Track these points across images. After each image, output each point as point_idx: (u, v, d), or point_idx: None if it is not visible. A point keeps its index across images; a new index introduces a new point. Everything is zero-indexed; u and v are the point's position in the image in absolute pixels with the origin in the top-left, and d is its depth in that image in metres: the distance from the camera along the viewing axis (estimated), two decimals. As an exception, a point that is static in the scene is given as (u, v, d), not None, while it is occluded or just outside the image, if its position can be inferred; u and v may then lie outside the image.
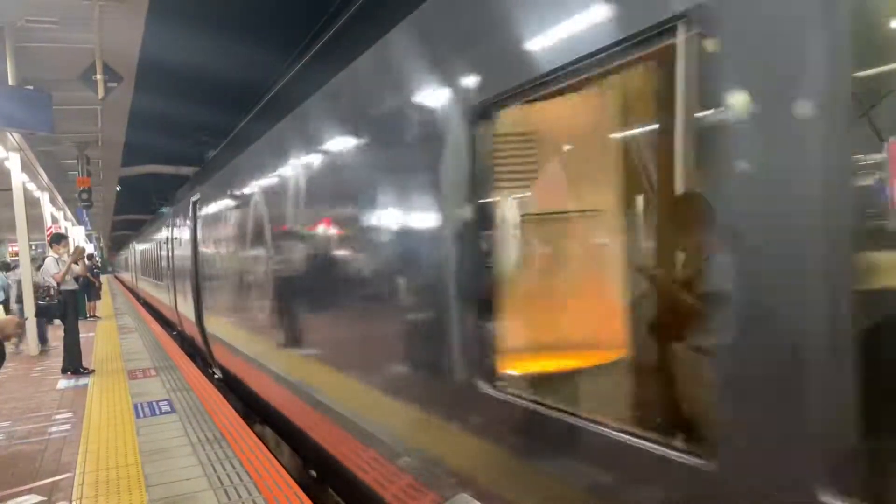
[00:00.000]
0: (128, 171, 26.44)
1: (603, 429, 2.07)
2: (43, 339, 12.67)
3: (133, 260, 34.30)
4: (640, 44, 1.89)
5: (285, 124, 5.51)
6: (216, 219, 8.64)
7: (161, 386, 8.39)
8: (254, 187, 6.59)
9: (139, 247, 28.26)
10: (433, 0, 3.06)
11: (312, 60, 5.83)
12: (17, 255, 17.23)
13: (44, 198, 18.00)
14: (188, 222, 10.86)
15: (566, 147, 3.09)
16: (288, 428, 5.96)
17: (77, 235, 30.86)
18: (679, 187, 2.21)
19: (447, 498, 2.92)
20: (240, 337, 7.44)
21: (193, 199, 10.34)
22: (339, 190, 4.29)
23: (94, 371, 9.69)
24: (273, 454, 5.44)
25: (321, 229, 4.69)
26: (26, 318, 10.39)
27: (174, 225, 13.45)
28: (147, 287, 24.05)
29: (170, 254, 14.12)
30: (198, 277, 9.91)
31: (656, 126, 2.58)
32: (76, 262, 10.14)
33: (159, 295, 18.09)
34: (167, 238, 14.68)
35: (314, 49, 5.56)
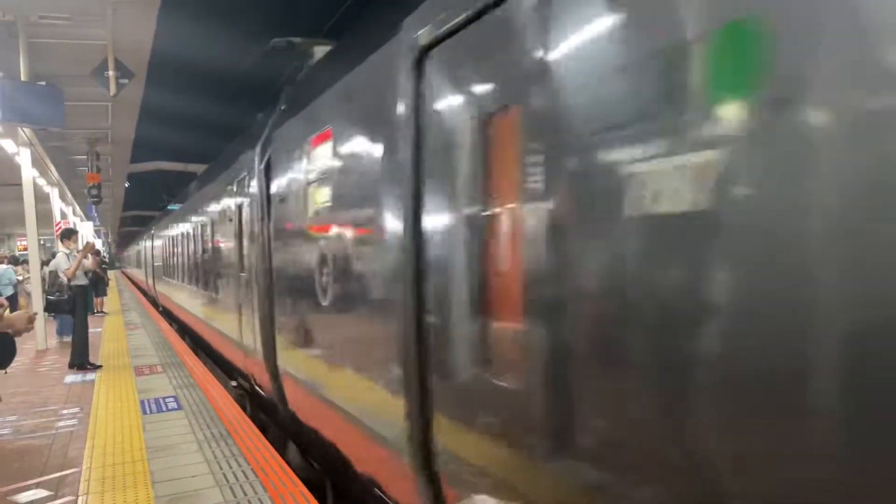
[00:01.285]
0: (137, 168, 26.54)
1: None
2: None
3: (148, 253, 24.61)
4: None
5: None
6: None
7: (168, 382, 8.40)
8: None
9: (163, 231, 18.76)
10: None
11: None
12: (26, 249, 17.37)
13: (53, 193, 18.08)
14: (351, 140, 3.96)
15: None
16: None
17: (86, 231, 30.98)
18: None
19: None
20: None
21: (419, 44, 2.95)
22: None
23: (101, 366, 9.72)
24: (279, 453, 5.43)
25: None
26: (35, 313, 10.41)
27: (265, 174, 6.03)
28: (178, 295, 14.96)
29: (248, 239, 6.79)
30: (423, 291, 2.97)
31: None
32: (86, 257, 10.18)
33: (209, 315, 10.17)
34: (237, 205, 7.39)
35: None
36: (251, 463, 5.04)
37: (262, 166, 6.05)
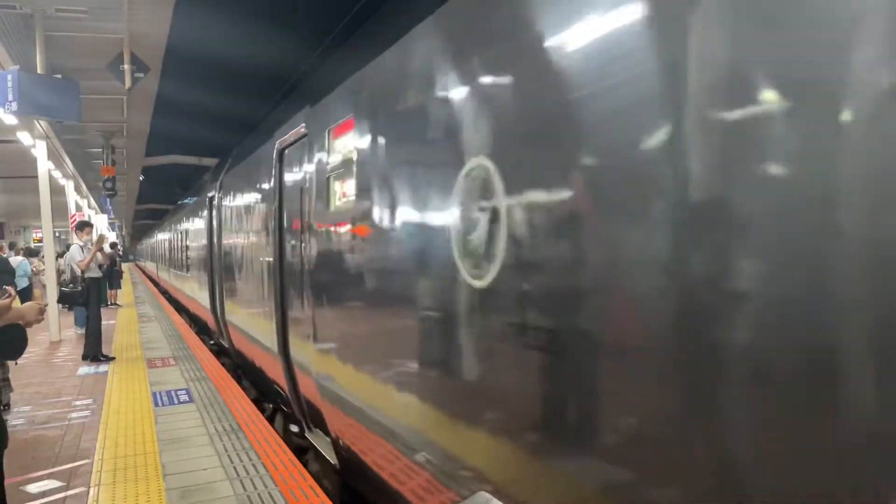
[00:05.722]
0: (151, 161, 26.67)
1: None
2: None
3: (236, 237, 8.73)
4: None
5: None
6: None
7: (180, 375, 8.44)
8: None
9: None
10: None
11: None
12: (41, 240, 17.52)
13: (69, 186, 18.21)
14: None
15: None
16: None
17: (100, 224, 31.21)
18: None
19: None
20: None
21: None
22: None
23: (114, 358, 9.78)
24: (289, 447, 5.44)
25: None
26: (46, 304, 10.47)
27: None
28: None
29: None
30: None
31: None
32: (100, 250, 10.24)
33: None
34: None
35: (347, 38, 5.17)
36: (262, 457, 5.05)
37: None
